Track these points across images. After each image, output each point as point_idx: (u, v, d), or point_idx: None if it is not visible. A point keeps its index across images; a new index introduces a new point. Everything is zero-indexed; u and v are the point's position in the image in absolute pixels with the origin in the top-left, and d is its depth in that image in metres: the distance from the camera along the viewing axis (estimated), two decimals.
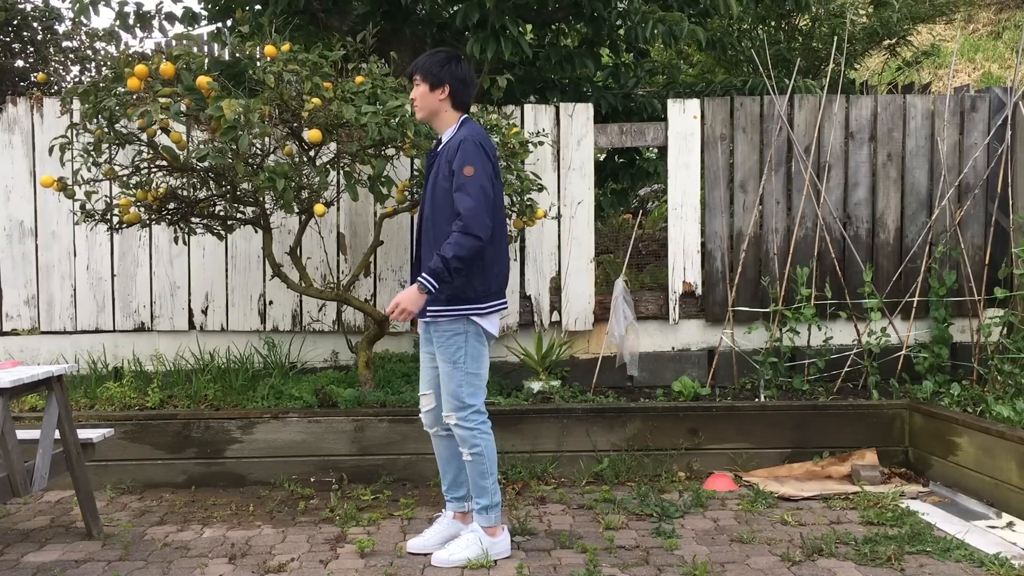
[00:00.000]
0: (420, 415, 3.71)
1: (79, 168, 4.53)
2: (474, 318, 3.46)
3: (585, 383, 5.23)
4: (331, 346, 5.45)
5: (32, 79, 8.46)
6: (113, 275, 5.42)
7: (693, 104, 5.40)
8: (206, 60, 4.29)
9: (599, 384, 5.23)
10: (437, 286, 3.34)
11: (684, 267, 5.40)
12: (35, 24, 8.52)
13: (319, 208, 4.17)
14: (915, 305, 5.28)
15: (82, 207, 4.49)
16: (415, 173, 5.03)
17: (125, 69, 4.09)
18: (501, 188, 3.60)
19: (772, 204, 5.39)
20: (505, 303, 3.60)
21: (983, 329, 5.05)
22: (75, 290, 5.41)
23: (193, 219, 4.69)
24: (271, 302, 5.42)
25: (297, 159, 4.30)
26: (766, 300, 5.32)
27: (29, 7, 8.53)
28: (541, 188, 4.88)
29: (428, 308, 3.48)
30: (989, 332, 5.03)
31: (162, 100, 3.96)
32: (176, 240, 4.84)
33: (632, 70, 6.98)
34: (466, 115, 3.58)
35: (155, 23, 5.86)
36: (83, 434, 3.88)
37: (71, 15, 8.33)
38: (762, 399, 4.94)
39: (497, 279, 3.53)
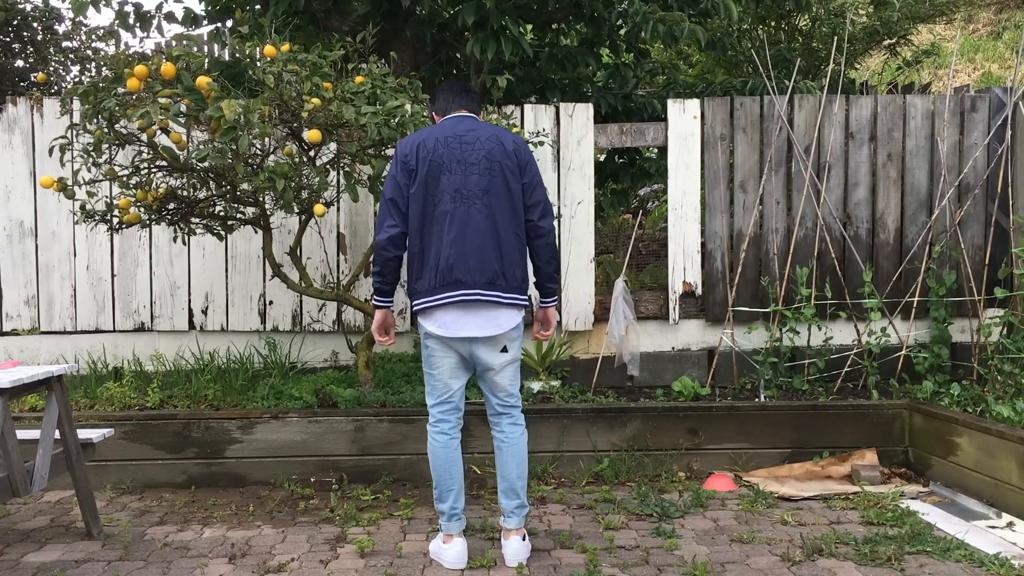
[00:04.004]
0: None
1: (79, 168, 4.54)
2: (419, 318, 3.46)
3: (585, 383, 5.23)
4: (331, 346, 5.45)
5: (32, 79, 8.47)
6: (113, 275, 5.42)
7: (693, 104, 5.40)
8: (206, 60, 4.29)
9: (599, 384, 5.23)
10: (373, 291, 3.56)
11: (684, 267, 5.40)
12: (35, 24, 8.53)
13: (319, 208, 4.17)
14: (915, 305, 5.28)
15: (82, 207, 4.49)
16: None
17: (125, 69, 4.09)
18: (434, 177, 3.36)
19: (772, 204, 5.39)
20: (441, 298, 3.33)
21: (983, 329, 5.05)
22: (75, 290, 5.41)
23: (193, 219, 4.69)
24: (271, 302, 5.42)
25: (297, 159, 4.30)
26: (766, 300, 5.32)
27: (29, 7, 8.53)
28: None
29: None
30: (989, 332, 5.03)
31: (162, 100, 3.96)
32: (176, 240, 4.85)
33: (632, 70, 6.98)
34: (444, 119, 3.56)
35: (155, 23, 5.87)
36: (83, 434, 3.88)
37: (71, 15, 8.34)
38: (762, 399, 4.94)
39: (430, 274, 3.35)
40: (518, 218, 3.44)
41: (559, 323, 5.40)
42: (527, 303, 3.48)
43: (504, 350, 3.45)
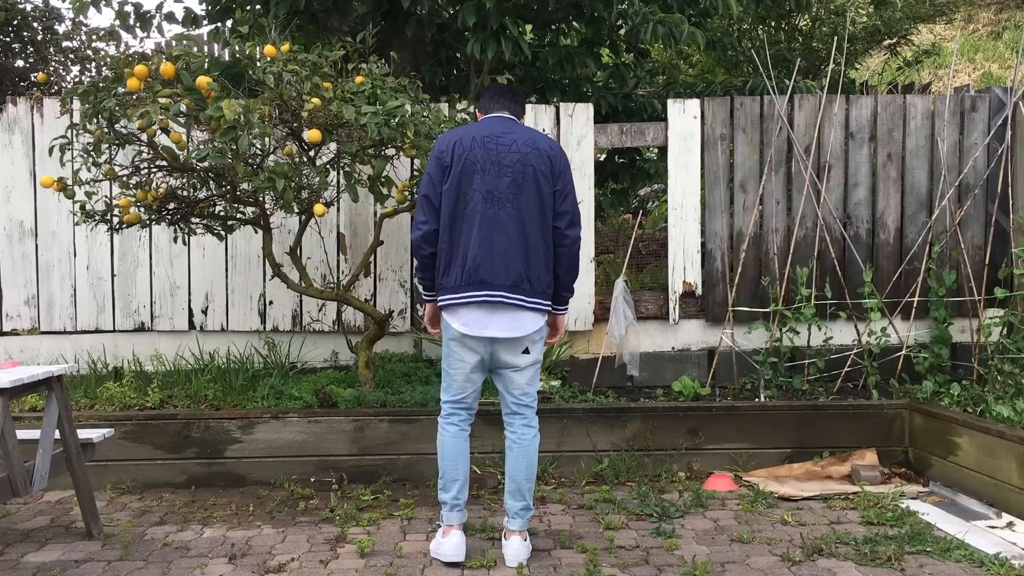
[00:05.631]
0: None
1: (79, 168, 4.53)
2: (443, 313, 3.48)
3: (585, 383, 5.23)
4: (331, 346, 5.45)
5: (32, 79, 8.46)
6: (113, 275, 5.42)
7: (693, 104, 5.40)
8: (206, 60, 4.29)
9: (599, 384, 5.23)
10: (419, 286, 3.62)
11: (684, 267, 5.40)
12: (35, 24, 8.53)
13: (319, 208, 4.17)
14: (915, 305, 5.27)
15: (82, 207, 4.49)
16: (415, 173, 5.03)
17: (125, 69, 4.09)
18: (468, 176, 3.39)
19: (772, 204, 5.39)
20: (466, 296, 3.37)
21: (983, 329, 5.05)
22: (75, 290, 5.41)
23: (193, 219, 4.69)
24: (271, 302, 5.42)
25: (297, 159, 4.30)
26: (766, 300, 5.32)
27: (29, 7, 8.53)
28: None
29: None
30: (989, 332, 5.03)
31: (162, 100, 3.96)
32: (176, 240, 4.84)
33: (632, 70, 6.98)
34: (484, 117, 3.60)
35: (155, 23, 5.87)
36: (83, 434, 3.88)
37: (71, 15, 8.34)
38: (762, 399, 4.94)
39: (457, 271, 3.39)
40: (547, 224, 3.44)
41: None
42: (550, 308, 3.52)
43: (526, 351, 3.48)
